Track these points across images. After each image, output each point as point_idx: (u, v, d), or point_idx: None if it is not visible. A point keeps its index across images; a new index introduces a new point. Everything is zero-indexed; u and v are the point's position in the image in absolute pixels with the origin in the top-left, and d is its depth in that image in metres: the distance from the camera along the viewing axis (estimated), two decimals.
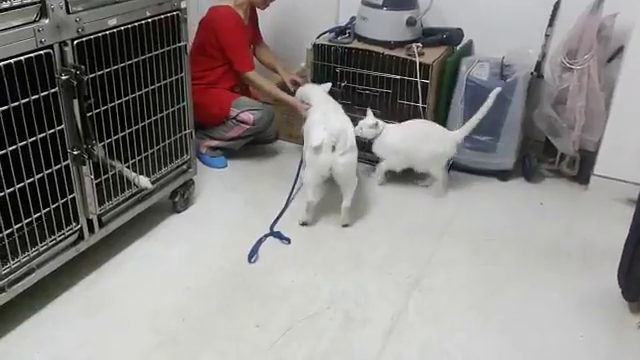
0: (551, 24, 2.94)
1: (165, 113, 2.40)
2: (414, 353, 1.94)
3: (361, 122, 2.78)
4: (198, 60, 2.85)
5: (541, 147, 3.08)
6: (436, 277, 2.30)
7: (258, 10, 3.03)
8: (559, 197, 2.90)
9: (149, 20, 2.15)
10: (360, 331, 2.01)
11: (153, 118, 2.34)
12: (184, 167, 2.60)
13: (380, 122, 2.79)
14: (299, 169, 2.81)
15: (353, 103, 2.98)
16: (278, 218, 2.61)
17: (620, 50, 2.78)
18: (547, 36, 2.95)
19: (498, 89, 2.70)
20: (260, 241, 2.46)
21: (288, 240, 2.48)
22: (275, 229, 2.54)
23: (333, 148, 2.42)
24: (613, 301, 2.17)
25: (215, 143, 3.02)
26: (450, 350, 1.95)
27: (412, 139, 2.77)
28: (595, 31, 2.61)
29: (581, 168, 2.96)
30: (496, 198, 2.87)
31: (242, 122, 2.89)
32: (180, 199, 2.64)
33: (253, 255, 2.38)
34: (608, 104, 2.77)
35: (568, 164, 2.99)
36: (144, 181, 2.35)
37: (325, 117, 2.53)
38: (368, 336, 1.99)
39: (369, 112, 2.82)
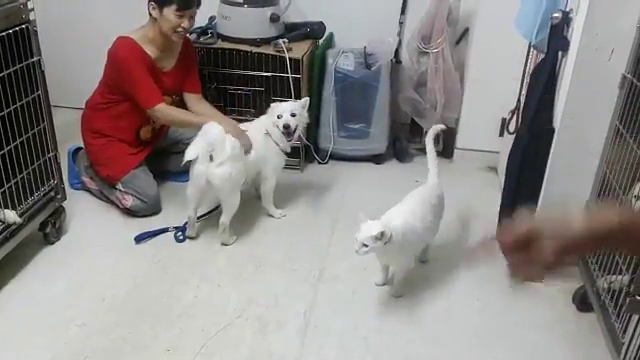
0: (403, 12, 3.12)
1: (25, 137, 2.17)
2: (333, 343, 1.97)
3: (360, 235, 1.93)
4: (103, 91, 2.61)
5: (407, 129, 3.27)
6: (337, 267, 2.34)
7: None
8: None
9: None
10: (277, 334, 2.00)
11: (12, 145, 2.10)
12: (52, 194, 2.38)
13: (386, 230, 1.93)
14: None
15: (226, 105, 2.91)
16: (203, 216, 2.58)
17: (466, 32, 3.04)
18: (401, 23, 3.12)
19: None
20: (162, 231, 2.49)
21: (183, 239, 2.47)
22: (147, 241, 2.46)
23: (211, 158, 2.29)
24: (496, 260, 2.37)
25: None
26: (367, 335, 2.00)
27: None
28: (445, 16, 2.83)
29: (445, 144, 3.20)
30: (375, 181, 2.99)
31: (122, 199, 2.62)
32: (52, 229, 2.40)
33: (142, 239, 2.43)
34: (462, 82, 3.01)
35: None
36: (11, 215, 2.11)
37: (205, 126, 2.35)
38: (286, 336, 1.99)
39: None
